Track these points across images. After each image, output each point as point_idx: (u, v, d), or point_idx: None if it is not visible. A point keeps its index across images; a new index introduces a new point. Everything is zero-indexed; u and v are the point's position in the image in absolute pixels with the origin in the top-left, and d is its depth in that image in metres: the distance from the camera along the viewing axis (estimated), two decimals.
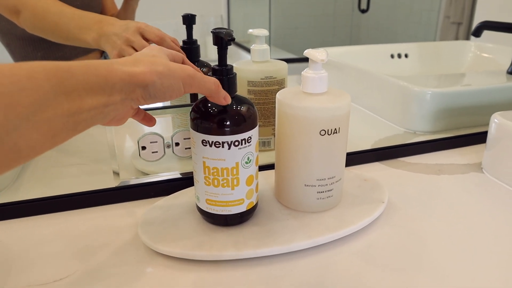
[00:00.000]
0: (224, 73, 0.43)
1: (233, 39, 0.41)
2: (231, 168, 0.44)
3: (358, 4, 2.45)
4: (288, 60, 0.70)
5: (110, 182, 0.57)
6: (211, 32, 0.42)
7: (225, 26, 2.48)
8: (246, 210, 0.48)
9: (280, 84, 0.64)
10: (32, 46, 1.06)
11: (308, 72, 0.47)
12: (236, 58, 2.27)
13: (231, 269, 0.44)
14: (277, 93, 0.50)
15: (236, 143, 0.43)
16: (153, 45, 0.43)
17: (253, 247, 0.45)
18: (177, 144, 0.58)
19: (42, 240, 0.49)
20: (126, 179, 0.58)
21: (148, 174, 0.60)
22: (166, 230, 0.48)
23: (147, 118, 0.45)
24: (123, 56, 0.60)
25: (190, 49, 0.64)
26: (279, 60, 0.67)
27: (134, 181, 0.58)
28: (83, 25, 0.65)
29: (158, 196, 0.57)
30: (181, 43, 0.64)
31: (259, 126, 0.65)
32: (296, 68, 0.86)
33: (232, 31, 0.42)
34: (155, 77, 0.34)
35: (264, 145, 0.67)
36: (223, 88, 0.42)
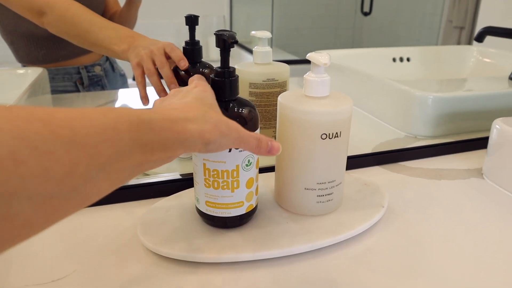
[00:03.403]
0: (226, 76, 0.43)
1: (236, 42, 0.41)
2: (231, 171, 0.44)
3: (361, 7, 2.45)
4: (290, 62, 0.70)
5: None
6: (214, 34, 0.42)
7: (227, 26, 2.48)
8: (246, 213, 0.48)
9: (282, 86, 0.64)
10: (35, 44, 1.06)
11: (310, 75, 0.47)
12: (238, 59, 2.27)
13: (230, 272, 0.44)
14: (279, 96, 0.50)
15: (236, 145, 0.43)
16: (204, 86, 0.42)
17: (252, 250, 0.45)
18: None
19: (40, 240, 0.49)
20: None
21: (148, 175, 0.60)
22: (166, 232, 0.48)
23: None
24: (141, 65, 0.64)
25: (193, 50, 0.64)
26: (281, 61, 0.67)
27: (133, 181, 0.58)
28: (116, 36, 0.69)
29: (158, 196, 0.57)
30: (183, 44, 0.65)
31: (260, 129, 0.65)
32: (297, 70, 0.86)
33: (235, 33, 0.42)
34: (218, 136, 0.34)
35: None
36: (225, 90, 0.42)
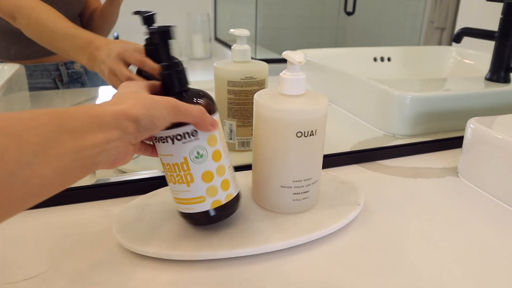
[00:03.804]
0: (172, 68, 0.43)
1: (167, 31, 0.42)
2: (180, 164, 0.43)
3: (344, 7, 2.47)
4: (273, 60, 0.70)
5: (86, 180, 0.56)
6: (148, 31, 0.42)
7: (212, 24, 2.47)
8: (213, 209, 0.45)
9: (261, 84, 0.64)
10: (12, 39, 1.05)
11: (286, 73, 0.47)
12: (221, 57, 2.26)
13: (206, 270, 0.44)
14: (255, 94, 0.50)
15: (179, 137, 0.42)
16: (129, 82, 0.43)
17: (227, 248, 0.45)
18: None
19: (13, 238, 0.48)
20: (102, 177, 0.57)
21: (125, 172, 0.60)
22: (141, 230, 0.47)
23: (155, 151, 0.45)
24: (114, 84, 0.61)
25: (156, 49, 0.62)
26: (264, 60, 0.67)
27: (110, 179, 0.57)
28: (76, 46, 0.66)
29: (135, 194, 0.57)
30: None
31: (238, 126, 0.65)
32: (281, 69, 0.86)
33: (170, 26, 0.42)
34: (143, 110, 0.36)
35: (243, 145, 0.67)
36: (173, 82, 0.43)
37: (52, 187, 0.31)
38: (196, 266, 0.44)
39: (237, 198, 0.48)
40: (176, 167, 0.43)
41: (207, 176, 0.44)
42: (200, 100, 0.43)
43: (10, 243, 0.47)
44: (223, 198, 0.46)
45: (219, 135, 0.45)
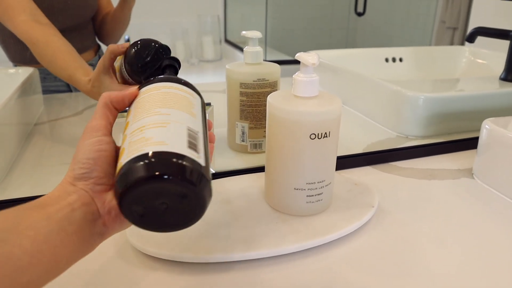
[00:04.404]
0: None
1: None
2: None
3: (355, 7, 2.46)
4: (283, 62, 0.70)
5: None
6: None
7: (222, 26, 2.48)
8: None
9: (273, 86, 0.64)
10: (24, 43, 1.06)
11: (299, 75, 0.47)
12: (232, 59, 2.27)
13: (219, 272, 0.44)
14: (268, 96, 0.50)
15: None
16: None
17: (241, 250, 0.45)
18: None
19: None
20: None
21: None
22: (155, 232, 0.47)
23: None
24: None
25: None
26: (275, 61, 0.67)
27: None
28: (82, 74, 0.68)
29: None
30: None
31: (250, 129, 0.65)
32: (291, 70, 0.85)
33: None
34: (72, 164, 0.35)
35: (256, 147, 0.67)
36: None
37: (43, 256, 0.29)
38: (209, 268, 0.44)
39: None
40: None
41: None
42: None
43: None
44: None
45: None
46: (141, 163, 0.30)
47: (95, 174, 0.34)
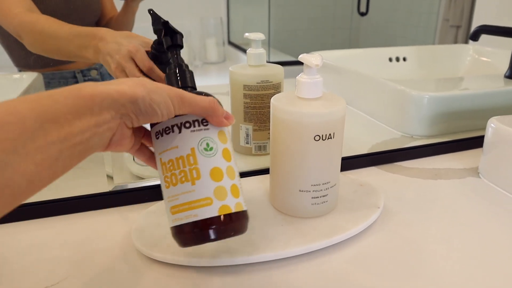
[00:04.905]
0: (178, 67, 0.42)
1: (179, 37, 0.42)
2: (186, 156, 0.37)
3: (358, 7, 2.45)
4: (287, 63, 0.70)
5: (104, 186, 0.57)
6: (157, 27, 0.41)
7: (225, 28, 2.48)
8: (220, 216, 0.37)
9: (276, 88, 0.64)
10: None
11: (302, 77, 0.47)
12: (235, 61, 2.27)
13: (224, 276, 0.44)
14: (272, 98, 0.50)
15: (187, 125, 0.38)
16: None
17: (247, 253, 0.45)
18: None
19: (33, 245, 0.49)
20: (120, 183, 0.57)
21: (143, 179, 0.60)
22: (160, 236, 0.47)
23: (152, 159, 0.42)
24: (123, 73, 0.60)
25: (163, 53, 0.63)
26: (278, 63, 0.67)
27: (128, 185, 0.57)
28: (81, 43, 0.65)
29: (153, 200, 0.57)
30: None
31: (254, 131, 0.65)
32: (295, 71, 0.85)
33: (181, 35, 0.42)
34: (143, 92, 0.33)
35: (260, 149, 0.67)
36: (177, 81, 0.41)
37: (41, 181, 0.28)
38: (214, 272, 0.44)
39: (247, 215, 0.40)
40: (180, 161, 0.37)
41: (216, 174, 0.38)
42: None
43: (30, 251, 0.47)
44: (233, 205, 0.38)
45: (229, 136, 0.41)
46: (244, 219, 0.40)
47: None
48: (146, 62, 0.57)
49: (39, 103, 0.28)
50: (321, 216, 0.51)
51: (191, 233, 0.37)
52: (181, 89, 0.36)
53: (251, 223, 0.49)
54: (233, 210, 0.38)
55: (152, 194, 0.57)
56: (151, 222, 0.50)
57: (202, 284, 0.42)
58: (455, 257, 0.46)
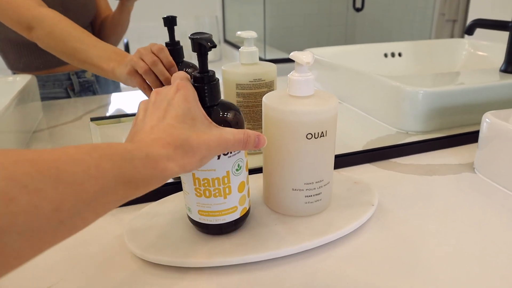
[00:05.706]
0: (205, 81, 0.41)
1: (214, 46, 0.40)
2: (222, 178, 0.43)
3: (353, 3, 2.44)
4: (283, 60, 0.69)
5: None
6: (189, 38, 0.41)
7: (220, 27, 2.47)
8: (240, 217, 0.47)
9: (269, 86, 0.64)
10: (24, 51, 1.06)
11: (294, 75, 0.46)
12: (231, 59, 2.26)
13: (219, 276, 0.43)
14: (264, 96, 0.49)
15: (225, 152, 0.42)
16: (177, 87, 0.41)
17: (240, 253, 0.44)
18: None
19: None
20: None
21: None
22: (153, 237, 0.47)
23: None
24: (134, 72, 0.63)
25: (173, 50, 0.64)
26: (273, 60, 0.67)
27: None
28: (105, 55, 0.69)
29: (146, 202, 0.57)
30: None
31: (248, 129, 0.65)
32: (291, 68, 0.85)
33: (211, 35, 0.41)
34: (198, 164, 0.36)
35: None
36: (204, 95, 0.41)
37: (88, 225, 0.30)
38: (209, 273, 0.44)
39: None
40: (216, 181, 0.43)
41: (242, 187, 0.46)
42: (228, 114, 0.43)
43: None
44: (248, 204, 0.48)
45: None
46: (233, 225, 0.47)
47: None
48: (149, 57, 0.62)
49: (119, 163, 0.30)
50: (315, 214, 0.51)
51: (216, 229, 0.47)
52: (225, 137, 0.38)
53: (245, 223, 0.49)
54: (248, 208, 0.48)
55: (146, 195, 0.56)
56: (144, 223, 0.50)
57: (197, 285, 0.42)
58: (451, 253, 0.46)
